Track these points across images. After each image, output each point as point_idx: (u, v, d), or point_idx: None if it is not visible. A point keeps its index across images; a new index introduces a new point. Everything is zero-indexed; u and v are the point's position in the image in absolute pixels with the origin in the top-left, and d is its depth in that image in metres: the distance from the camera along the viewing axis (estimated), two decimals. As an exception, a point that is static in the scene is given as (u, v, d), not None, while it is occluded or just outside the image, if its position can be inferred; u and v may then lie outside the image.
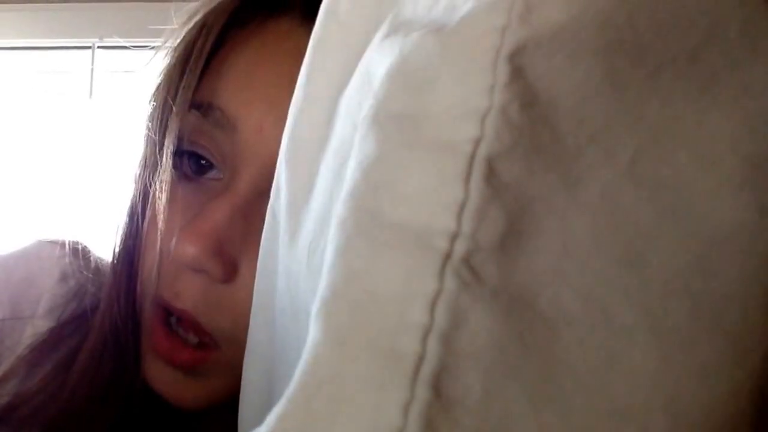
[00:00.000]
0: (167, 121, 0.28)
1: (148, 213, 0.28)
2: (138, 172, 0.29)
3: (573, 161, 0.12)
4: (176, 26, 0.30)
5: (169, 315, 0.27)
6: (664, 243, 0.12)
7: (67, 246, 0.33)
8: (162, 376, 0.27)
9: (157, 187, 0.27)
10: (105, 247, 0.32)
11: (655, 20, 0.13)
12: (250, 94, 0.27)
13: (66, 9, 1.18)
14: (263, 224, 0.21)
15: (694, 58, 0.13)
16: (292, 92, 0.20)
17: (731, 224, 0.12)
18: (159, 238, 0.27)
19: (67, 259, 0.32)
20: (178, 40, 0.29)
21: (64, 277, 0.31)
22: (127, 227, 0.29)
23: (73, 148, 1.09)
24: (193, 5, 0.30)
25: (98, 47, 1.16)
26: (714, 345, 0.11)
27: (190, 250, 0.25)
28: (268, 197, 0.22)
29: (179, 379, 0.27)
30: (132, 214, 0.29)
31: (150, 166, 0.28)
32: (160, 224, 0.27)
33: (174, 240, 0.26)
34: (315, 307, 0.12)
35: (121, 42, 1.14)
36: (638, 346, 0.11)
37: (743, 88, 0.13)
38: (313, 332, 0.12)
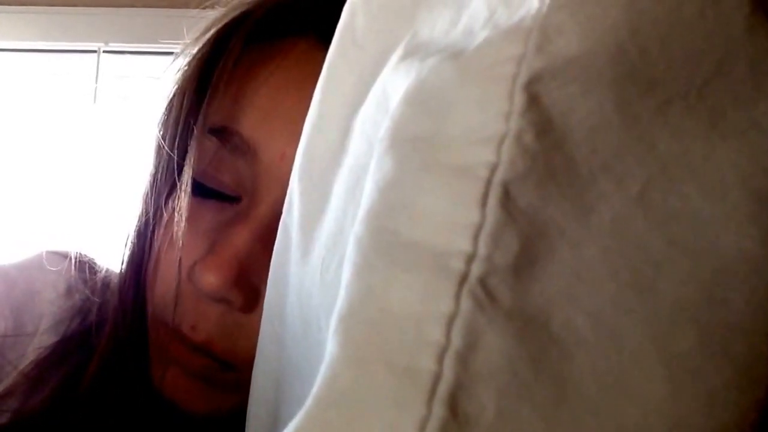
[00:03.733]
0: (185, 144, 0.27)
1: (161, 235, 0.27)
2: (148, 191, 0.28)
3: (586, 189, 0.13)
4: (188, 40, 0.30)
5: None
6: (673, 271, 0.12)
7: (72, 258, 0.32)
8: (178, 383, 0.27)
9: (176, 212, 0.26)
10: (109, 255, 0.31)
11: (667, 54, 0.13)
12: (272, 122, 0.26)
13: (72, 13, 1.19)
14: None
15: (704, 93, 0.13)
16: None
17: (737, 256, 0.12)
18: (177, 265, 0.26)
19: (72, 273, 0.31)
20: (191, 57, 0.29)
21: (69, 291, 0.31)
22: (136, 248, 0.28)
23: (77, 152, 1.09)
24: (206, 21, 0.30)
25: (103, 52, 1.17)
26: (721, 373, 0.12)
27: (211, 279, 0.25)
28: None
29: (196, 386, 0.27)
30: (142, 235, 0.28)
31: (163, 186, 0.28)
32: (179, 252, 0.26)
33: (194, 268, 0.25)
34: (333, 323, 0.12)
35: (127, 47, 1.14)
36: (647, 371, 0.12)
37: (750, 123, 0.13)
38: (330, 348, 0.12)
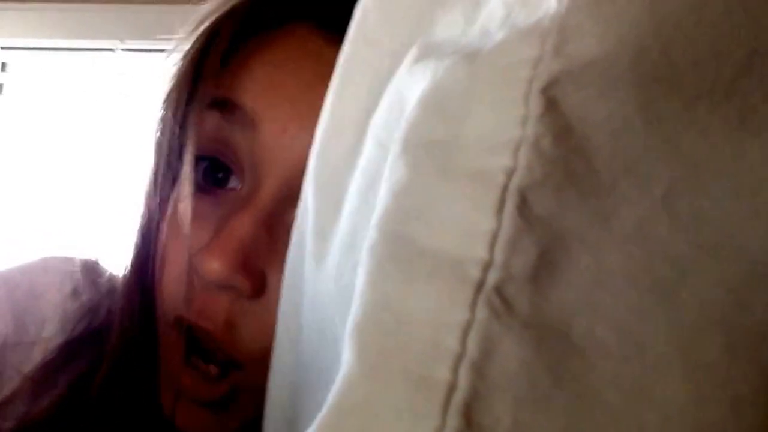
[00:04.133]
0: (184, 124, 0.27)
1: (165, 231, 0.27)
2: (150, 187, 0.28)
3: (607, 193, 0.12)
4: (183, 35, 0.29)
5: (188, 348, 0.26)
6: (698, 276, 0.12)
7: (77, 260, 0.31)
8: (189, 415, 0.26)
9: (179, 203, 0.26)
10: (120, 257, 0.30)
11: (692, 51, 0.13)
12: (273, 95, 0.26)
13: (89, 10, 1.19)
14: (288, 234, 0.21)
15: (731, 89, 0.13)
16: (314, 100, 0.20)
17: (766, 259, 0.12)
18: (184, 255, 0.26)
19: (78, 275, 0.31)
20: (188, 47, 0.29)
21: (74, 294, 0.30)
22: (141, 247, 0.28)
23: (94, 150, 1.10)
24: (199, 12, 0.30)
25: (120, 50, 1.18)
26: (748, 380, 0.11)
27: (215, 266, 0.24)
28: (292, 205, 0.21)
29: (207, 417, 0.26)
30: (146, 233, 0.28)
31: (164, 181, 0.27)
32: (185, 243, 0.26)
33: (197, 256, 0.25)
34: (347, 331, 0.12)
35: (144, 45, 1.15)
36: (671, 379, 0.11)
37: (780, 122, 0.13)
38: (345, 356, 0.12)
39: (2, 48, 1.23)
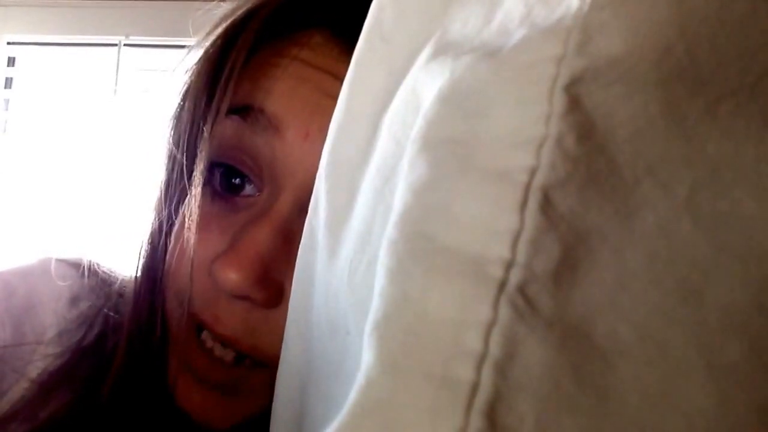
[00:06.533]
0: (201, 127, 0.26)
1: (177, 229, 0.27)
2: (163, 191, 0.28)
3: (629, 193, 0.12)
4: (198, 38, 0.29)
5: (200, 330, 0.26)
6: (721, 279, 0.12)
7: (77, 264, 0.31)
8: (194, 395, 0.26)
9: (192, 200, 0.26)
10: (126, 254, 0.30)
11: (716, 52, 0.13)
12: (295, 100, 0.25)
13: (93, 6, 1.19)
14: None
15: (756, 90, 0.13)
16: (331, 105, 0.20)
17: (790, 262, 0.12)
18: (191, 259, 0.25)
19: (80, 280, 0.30)
20: (205, 48, 0.28)
21: (74, 299, 0.30)
22: (152, 249, 0.28)
23: (97, 146, 1.10)
24: (218, 12, 0.29)
25: (124, 45, 1.18)
26: (773, 386, 0.11)
27: (233, 277, 0.24)
28: None
29: (213, 398, 0.26)
30: (157, 230, 0.27)
31: (177, 179, 0.27)
32: (192, 244, 0.25)
33: (214, 264, 0.25)
34: (367, 330, 0.12)
35: (148, 41, 1.15)
36: (694, 383, 0.11)
37: (805, 123, 0.13)
38: (366, 355, 0.12)
39: (11, 43, 1.23)
